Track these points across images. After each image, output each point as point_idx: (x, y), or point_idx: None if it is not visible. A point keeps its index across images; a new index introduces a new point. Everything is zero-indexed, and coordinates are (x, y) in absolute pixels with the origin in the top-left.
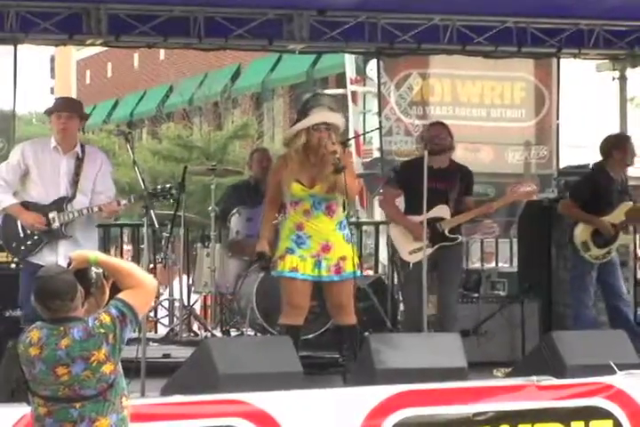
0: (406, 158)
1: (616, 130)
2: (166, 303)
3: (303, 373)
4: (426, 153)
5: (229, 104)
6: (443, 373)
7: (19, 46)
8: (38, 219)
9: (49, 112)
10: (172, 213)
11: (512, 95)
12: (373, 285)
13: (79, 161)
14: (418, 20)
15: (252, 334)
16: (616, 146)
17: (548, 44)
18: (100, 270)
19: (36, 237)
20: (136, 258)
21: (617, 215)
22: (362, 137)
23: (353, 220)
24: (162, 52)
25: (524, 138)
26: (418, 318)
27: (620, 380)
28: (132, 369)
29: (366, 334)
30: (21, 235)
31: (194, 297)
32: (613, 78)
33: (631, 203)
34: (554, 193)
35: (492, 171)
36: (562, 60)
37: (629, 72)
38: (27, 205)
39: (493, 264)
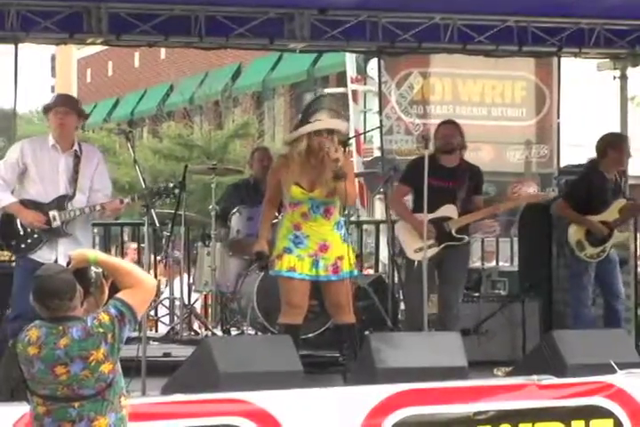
0: (407, 157)
1: (617, 129)
2: (167, 302)
3: (304, 372)
4: (426, 152)
5: (230, 103)
6: (443, 372)
7: (19, 45)
8: (38, 217)
9: (46, 109)
10: (173, 211)
11: (513, 94)
12: (374, 284)
13: (77, 159)
14: (419, 18)
15: (253, 333)
16: (612, 145)
17: (548, 43)
18: (100, 270)
19: (35, 236)
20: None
21: (611, 213)
22: (362, 136)
23: (353, 219)
24: (162, 50)
25: (525, 137)
26: (419, 317)
27: (620, 379)
28: (132, 368)
29: (367, 333)
30: (21, 233)
31: (194, 296)
32: (614, 77)
33: (624, 200)
34: (554, 192)
35: (493, 170)
36: (562, 60)
37: (630, 71)
38: (26, 204)
39: (494, 263)
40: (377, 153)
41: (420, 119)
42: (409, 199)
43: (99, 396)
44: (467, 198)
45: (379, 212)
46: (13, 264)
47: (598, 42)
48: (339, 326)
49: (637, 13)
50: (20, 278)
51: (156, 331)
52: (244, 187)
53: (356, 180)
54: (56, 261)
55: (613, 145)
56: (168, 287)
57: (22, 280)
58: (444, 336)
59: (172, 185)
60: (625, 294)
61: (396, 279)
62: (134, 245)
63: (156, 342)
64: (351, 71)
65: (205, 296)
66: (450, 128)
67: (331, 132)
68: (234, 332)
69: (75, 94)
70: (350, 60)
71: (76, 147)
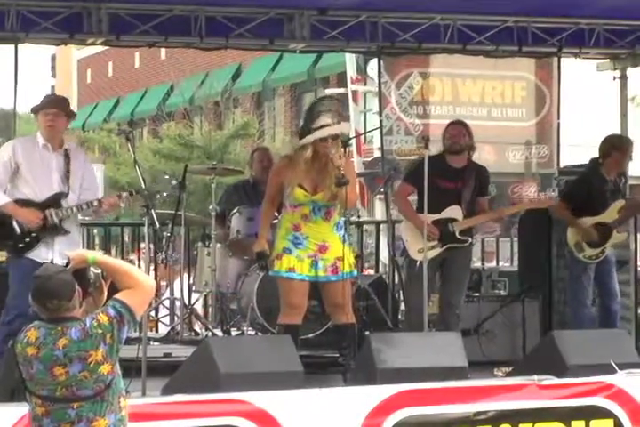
0: (407, 158)
1: (617, 129)
2: (167, 303)
3: (304, 372)
4: (426, 153)
5: (230, 103)
6: (443, 372)
7: (19, 45)
8: (36, 216)
9: (35, 110)
10: (173, 212)
11: (513, 94)
12: (374, 284)
13: (68, 158)
14: (418, 19)
15: (253, 333)
16: (617, 147)
17: (548, 44)
18: (99, 271)
19: (33, 235)
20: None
21: (610, 214)
22: (362, 136)
23: (354, 219)
24: (163, 51)
25: (525, 137)
26: (420, 317)
27: (620, 379)
28: (132, 368)
29: (367, 333)
30: (18, 232)
31: (195, 296)
32: (614, 78)
33: (623, 201)
34: (554, 192)
35: (493, 170)
36: (562, 60)
37: (630, 71)
38: (20, 203)
39: (494, 263)
40: (377, 153)
41: (419, 119)
42: (413, 199)
43: (97, 397)
44: (472, 199)
45: (379, 212)
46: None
47: (598, 42)
48: (338, 327)
49: (637, 14)
50: (18, 279)
51: (157, 331)
52: (244, 187)
53: (358, 179)
54: (52, 259)
55: (618, 147)
56: (168, 288)
57: (21, 280)
58: (444, 336)
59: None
60: (625, 294)
61: (397, 280)
62: (142, 245)
63: (157, 343)
64: (351, 72)
65: (205, 297)
66: (458, 129)
67: (335, 136)
68: (234, 332)
69: (75, 95)
70: (350, 61)
71: (66, 146)
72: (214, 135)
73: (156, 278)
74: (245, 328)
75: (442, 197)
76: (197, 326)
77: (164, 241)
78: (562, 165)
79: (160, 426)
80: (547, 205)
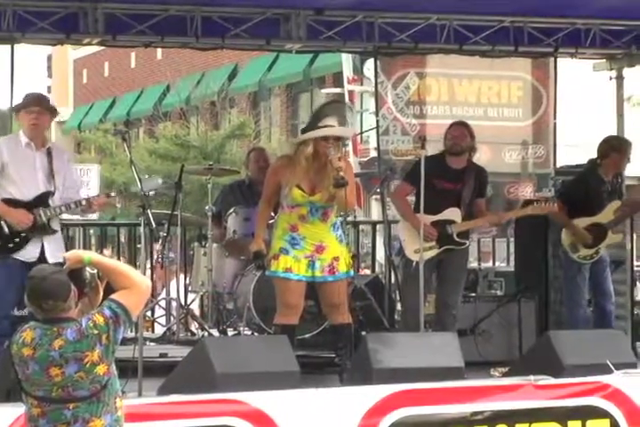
0: (403, 158)
1: (613, 129)
2: (163, 303)
3: (300, 372)
4: (422, 153)
5: (226, 103)
6: (440, 372)
7: (15, 45)
8: (26, 216)
9: (17, 109)
10: (169, 212)
11: (509, 94)
12: (371, 284)
13: (50, 157)
14: (415, 19)
15: (249, 333)
16: (616, 149)
17: (544, 44)
18: (95, 271)
19: (22, 235)
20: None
21: (606, 215)
22: (359, 136)
23: (350, 219)
24: (159, 51)
25: (522, 137)
26: (416, 318)
27: (616, 379)
28: (129, 369)
29: (363, 333)
30: (7, 233)
31: (191, 297)
32: (610, 78)
33: (619, 202)
34: (551, 192)
35: (489, 170)
36: (559, 60)
37: (626, 71)
38: (9, 203)
39: (490, 264)
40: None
41: (416, 119)
42: (411, 199)
43: (93, 397)
44: (471, 201)
45: (375, 212)
46: None
47: (594, 42)
48: (334, 327)
49: (633, 14)
50: (4, 278)
51: (153, 331)
52: (240, 187)
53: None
54: (40, 258)
55: (617, 148)
56: (165, 288)
57: (7, 280)
58: (440, 337)
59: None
60: (620, 293)
61: (393, 280)
62: (156, 246)
63: (153, 343)
64: (347, 72)
65: (202, 297)
66: (460, 130)
67: (337, 138)
68: (230, 332)
69: (71, 95)
70: (347, 61)
71: (48, 144)
72: (210, 135)
73: (152, 279)
74: (242, 328)
75: (441, 198)
76: (194, 327)
77: (160, 241)
78: (558, 165)
79: (156, 426)
80: (542, 212)
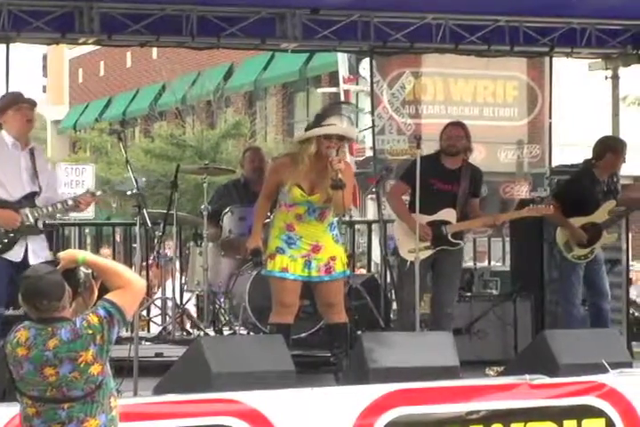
0: (399, 157)
1: (609, 129)
2: (159, 302)
3: (296, 372)
4: (418, 152)
5: (222, 103)
6: (435, 371)
7: (11, 45)
8: (14, 216)
9: (5, 107)
10: (165, 211)
11: (505, 94)
12: (366, 284)
13: (33, 157)
14: (411, 18)
15: (245, 332)
16: (612, 149)
17: (540, 43)
18: (89, 271)
19: (11, 235)
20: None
21: (600, 215)
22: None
23: (345, 219)
24: (154, 50)
25: (517, 137)
26: (411, 317)
27: (612, 378)
28: (124, 368)
29: (359, 332)
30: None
31: (186, 296)
32: (606, 77)
33: (614, 202)
34: (546, 192)
35: (485, 170)
36: (554, 60)
37: (622, 71)
38: None
39: (486, 263)
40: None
41: (412, 119)
42: (407, 198)
43: (88, 397)
44: (465, 201)
45: (371, 212)
46: None
47: (590, 42)
48: (330, 326)
49: (629, 13)
50: None
51: (149, 331)
52: (236, 187)
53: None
54: (25, 258)
55: (613, 149)
56: (160, 287)
57: None
58: (436, 336)
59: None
60: (616, 294)
61: (389, 279)
62: (169, 243)
63: (149, 343)
64: (343, 71)
65: (197, 296)
66: (457, 130)
67: (340, 138)
68: (226, 332)
69: (66, 94)
70: (342, 60)
71: (31, 145)
72: (206, 135)
73: (147, 278)
74: (237, 328)
75: (436, 198)
76: (189, 326)
77: (155, 241)
78: (553, 164)
79: (152, 426)
80: (539, 214)
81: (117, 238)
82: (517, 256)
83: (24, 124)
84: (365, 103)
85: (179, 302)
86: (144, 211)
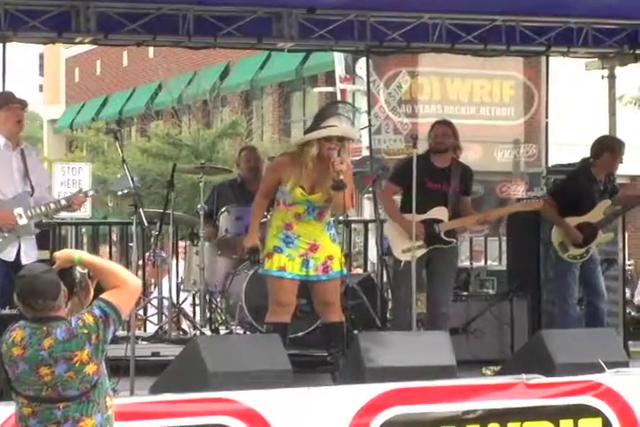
0: (395, 157)
1: (605, 128)
2: (155, 302)
3: (292, 371)
4: (415, 152)
5: (218, 102)
6: (432, 371)
7: (7, 44)
8: (9, 216)
9: None
10: (162, 211)
11: (501, 93)
12: (363, 283)
13: (24, 156)
14: (407, 18)
15: (241, 332)
16: (610, 148)
17: (537, 43)
18: (85, 270)
19: (5, 235)
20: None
21: (595, 214)
22: None
23: (342, 218)
24: (151, 50)
25: (513, 136)
26: (406, 317)
27: (608, 378)
28: (121, 367)
29: (355, 332)
30: None
31: (183, 295)
32: (602, 77)
33: (609, 201)
34: (542, 191)
35: (481, 169)
36: (551, 59)
37: (618, 70)
38: None
39: (482, 262)
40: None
41: (408, 118)
42: (398, 198)
43: (83, 397)
44: (457, 199)
45: (367, 211)
46: None
47: (587, 41)
48: (327, 325)
49: (626, 13)
50: None
51: (145, 330)
52: (232, 186)
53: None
54: (18, 257)
55: (610, 148)
56: (157, 287)
57: None
58: (432, 335)
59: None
60: (613, 293)
61: (385, 279)
62: (182, 244)
63: (145, 342)
64: (340, 70)
65: (194, 295)
66: (443, 128)
67: (341, 139)
68: (222, 331)
69: (63, 93)
70: (339, 60)
71: (22, 145)
72: (202, 134)
73: (144, 277)
74: (234, 327)
75: (427, 197)
76: (185, 325)
77: (152, 240)
78: (550, 164)
79: (148, 425)
80: (534, 208)
81: (114, 238)
82: (514, 256)
83: (14, 125)
84: (362, 103)
85: (175, 301)
86: (140, 210)
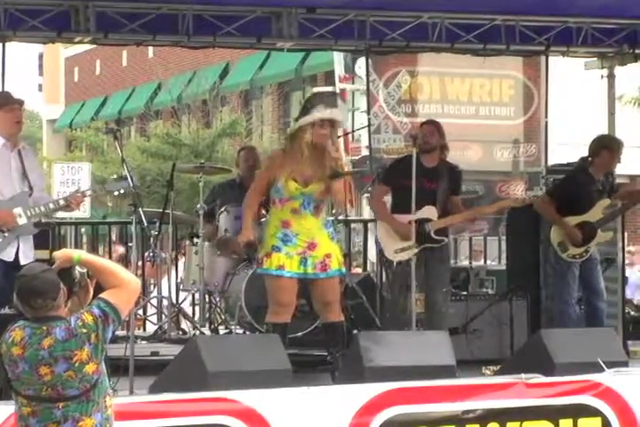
0: (395, 156)
1: (604, 128)
2: (155, 301)
3: (292, 371)
4: (414, 151)
5: (218, 102)
6: (432, 370)
7: (7, 43)
8: (9, 216)
9: None
10: (161, 210)
11: (501, 93)
12: (362, 283)
13: (21, 156)
14: (406, 17)
15: (241, 332)
16: (607, 147)
17: (536, 42)
18: (85, 270)
19: (5, 235)
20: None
21: (594, 213)
22: (350, 135)
23: (341, 217)
24: (150, 49)
25: (513, 136)
26: (402, 317)
27: (608, 378)
28: (120, 367)
29: (355, 331)
30: None
31: (182, 295)
32: (602, 76)
33: (609, 200)
34: (542, 191)
35: (481, 169)
36: (550, 58)
37: (618, 70)
38: None
39: (482, 262)
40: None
41: (407, 118)
42: (388, 198)
43: (83, 396)
44: (445, 199)
45: (367, 211)
46: None
47: (586, 41)
48: (326, 325)
49: (625, 12)
50: None
51: (144, 330)
52: (232, 186)
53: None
54: (16, 257)
55: (608, 147)
56: (156, 286)
57: None
58: (432, 335)
59: (121, 175)
60: (613, 292)
61: (384, 278)
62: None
63: (144, 341)
64: (339, 70)
65: (193, 295)
66: (429, 128)
67: (332, 125)
68: (222, 331)
69: (62, 93)
70: (338, 59)
71: (20, 145)
72: (202, 134)
73: (143, 277)
74: (233, 327)
75: (416, 197)
76: (185, 325)
77: (151, 240)
78: (549, 163)
79: (148, 425)
80: (523, 204)
81: (113, 237)
82: (513, 255)
83: (14, 125)
84: (361, 102)
85: (174, 301)
86: (140, 210)
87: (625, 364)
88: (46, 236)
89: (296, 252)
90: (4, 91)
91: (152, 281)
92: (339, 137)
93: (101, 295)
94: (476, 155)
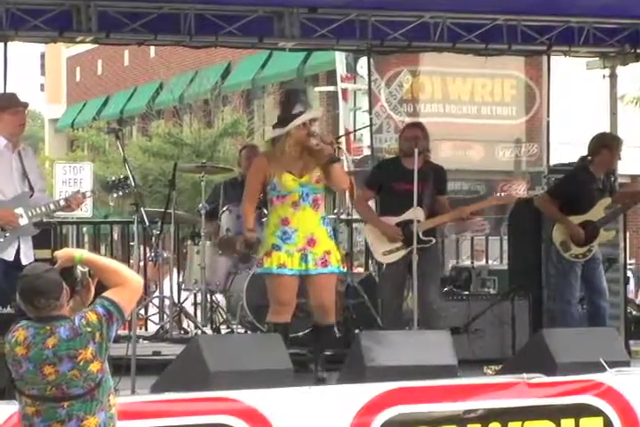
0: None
1: (606, 127)
2: (156, 301)
3: (293, 370)
4: (416, 151)
5: (220, 101)
6: (433, 370)
7: (8, 43)
8: (11, 216)
9: (1, 110)
10: (163, 210)
11: (502, 93)
12: (364, 282)
13: (21, 157)
14: (408, 17)
15: (243, 331)
16: (607, 145)
17: (538, 42)
18: (86, 269)
19: (7, 235)
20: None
21: (596, 212)
22: (352, 134)
23: (343, 217)
24: (152, 49)
25: (515, 135)
26: (395, 317)
27: (610, 377)
28: (122, 367)
29: (357, 331)
30: None
31: (184, 295)
32: (604, 76)
33: (610, 199)
34: (544, 190)
35: (482, 168)
36: (552, 58)
37: (620, 70)
38: None
39: (483, 262)
40: (367, 151)
41: (409, 118)
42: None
43: (88, 395)
44: (432, 200)
45: None
46: None
47: (588, 40)
48: (317, 326)
49: (627, 12)
50: None
51: (146, 329)
52: (233, 185)
53: (349, 177)
54: (17, 257)
55: (608, 145)
56: (158, 286)
57: None
58: (433, 335)
59: (123, 177)
60: (615, 292)
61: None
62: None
63: (146, 341)
64: (341, 70)
65: (195, 295)
66: (413, 131)
67: (312, 120)
68: (223, 330)
69: (64, 93)
70: (340, 59)
71: (20, 147)
72: (204, 133)
73: (145, 277)
74: (235, 326)
75: (402, 200)
76: (187, 325)
77: (153, 239)
78: (551, 163)
79: (150, 424)
80: (509, 201)
81: (115, 237)
82: (515, 255)
83: (17, 128)
84: (363, 102)
85: (176, 300)
86: (142, 209)
87: (627, 364)
88: (48, 235)
89: (296, 249)
90: (9, 92)
91: (154, 280)
92: (340, 137)
93: (105, 294)
94: (477, 154)
